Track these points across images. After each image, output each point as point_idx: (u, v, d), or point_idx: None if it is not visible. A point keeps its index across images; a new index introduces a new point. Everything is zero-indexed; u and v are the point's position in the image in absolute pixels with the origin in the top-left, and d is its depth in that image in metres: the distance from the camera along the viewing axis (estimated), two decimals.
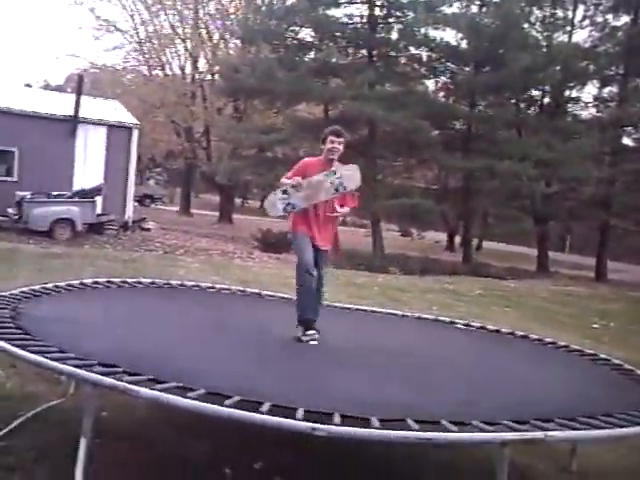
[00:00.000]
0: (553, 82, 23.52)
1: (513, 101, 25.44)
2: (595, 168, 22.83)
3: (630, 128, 24.63)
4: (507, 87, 23.25)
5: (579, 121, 25.33)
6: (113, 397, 3.76)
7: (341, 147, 4.55)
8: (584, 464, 4.01)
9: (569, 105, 25.99)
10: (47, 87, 45.82)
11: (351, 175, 4.53)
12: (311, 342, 4.46)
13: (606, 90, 25.55)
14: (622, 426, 3.05)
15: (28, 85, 40.24)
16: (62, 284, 4.92)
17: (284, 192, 4.47)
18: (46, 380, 4.46)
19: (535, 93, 25.44)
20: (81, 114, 18.86)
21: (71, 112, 18.73)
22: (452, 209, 25.43)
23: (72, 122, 18.72)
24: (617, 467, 4.18)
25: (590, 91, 27.24)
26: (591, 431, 2.97)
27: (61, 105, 19.39)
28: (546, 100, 25.71)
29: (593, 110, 26.49)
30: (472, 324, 5.94)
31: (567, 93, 25.21)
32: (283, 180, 4.59)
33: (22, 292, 4.39)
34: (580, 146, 21.99)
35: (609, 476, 4.03)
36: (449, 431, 2.76)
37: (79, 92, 19.13)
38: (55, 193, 16.71)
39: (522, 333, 5.66)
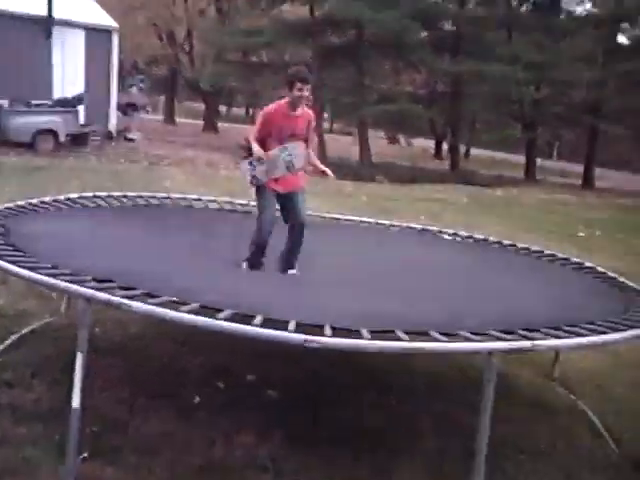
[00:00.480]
0: None
1: None
2: (587, 69, 22.38)
3: (627, 24, 23.88)
4: None
5: (573, 18, 24.59)
6: (106, 313, 3.81)
7: (308, 93, 4.31)
8: (565, 371, 4.16)
9: (564, 1, 25.12)
10: None
11: (300, 153, 4.38)
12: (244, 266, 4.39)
13: None
14: (603, 332, 3.13)
15: None
16: (48, 199, 4.85)
17: (250, 163, 4.38)
18: (38, 297, 4.50)
19: None
20: (56, 14, 17.94)
21: (44, 12, 17.79)
22: (440, 115, 25.12)
23: (46, 22, 17.81)
24: (595, 372, 4.34)
25: None
26: (575, 339, 3.04)
27: (34, 3, 18.38)
28: None
29: (589, 5, 25.68)
30: (459, 233, 5.97)
31: None
32: (253, 145, 4.36)
33: (7, 208, 4.32)
34: (572, 46, 21.47)
35: (588, 381, 4.18)
36: (438, 341, 2.82)
37: None
38: (36, 102, 16.21)
39: (509, 242, 5.71)
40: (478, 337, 2.90)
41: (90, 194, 5.28)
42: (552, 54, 21.02)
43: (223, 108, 42.85)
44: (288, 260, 4.46)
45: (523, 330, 3.04)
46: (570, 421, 3.58)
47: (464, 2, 24.01)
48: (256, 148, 4.31)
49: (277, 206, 4.47)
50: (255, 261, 4.36)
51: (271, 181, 4.38)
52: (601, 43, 22.88)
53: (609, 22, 22.46)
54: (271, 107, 4.45)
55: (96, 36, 18.92)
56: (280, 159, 4.35)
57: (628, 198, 18.78)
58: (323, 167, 4.56)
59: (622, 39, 24.79)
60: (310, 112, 4.53)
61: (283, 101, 4.36)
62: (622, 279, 4.52)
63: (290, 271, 4.43)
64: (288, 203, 4.46)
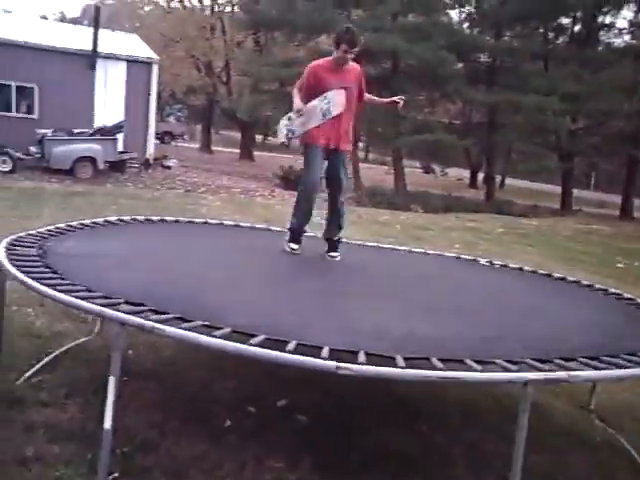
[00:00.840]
0: (585, 7, 22.59)
1: (541, 31, 24.58)
2: (626, 100, 22.15)
3: None
4: (535, 15, 22.46)
5: (612, 50, 24.38)
6: (140, 336, 3.84)
7: (351, 56, 4.33)
8: (602, 402, 4.05)
9: (602, 33, 24.97)
10: (63, 19, 45.19)
11: (339, 101, 4.36)
12: (288, 250, 4.52)
13: None
14: None
15: (44, 17, 39.74)
16: (87, 222, 4.95)
17: (289, 119, 4.41)
18: (73, 318, 4.57)
19: (565, 21, 24.47)
20: (100, 48, 18.60)
21: (89, 46, 18.47)
22: (475, 145, 25.06)
23: (91, 56, 18.49)
24: (634, 404, 4.21)
25: (626, 16, 25.94)
26: (613, 370, 2.96)
27: (79, 39, 19.12)
28: (576, 28, 24.76)
29: (627, 37, 25.45)
30: (494, 262, 5.90)
31: (600, 19, 24.18)
32: (294, 99, 4.41)
33: (48, 230, 4.42)
34: (611, 77, 21.24)
35: (626, 413, 4.06)
36: (473, 370, 2.77)
37: (97, 25, 18.82)
38: (76, 131, 16.68)
39: (545, 272, 5.62)
40: (514, 366, 2.85)
41: (128, 217, 5.37)
42: (590, 85, 20.86)
43: (259, 137, 43.39)
44: (329, 238, 4.51)
45: (560, 359, 2.98)
46: (608, 455, 3.47)
47: (500, 34, 24.06)
48: (297, 100, 4.32)
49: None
50: (297, 230, 4.41)
51: (316, 134, 4.35)
52: None
53: None
54: (316, 62, 4.49)
55: (137, 67, 19.47)
56: (318, 108, 4.31)
57: None
58: (388, 100, 4.69)
59: None
60: (358, 66, 4.52)
61: (328, 58, 4.40)
62: None
63: (332, 254, 4.47)
64: (330, 163, 4.47)
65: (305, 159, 4.47)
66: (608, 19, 24.47)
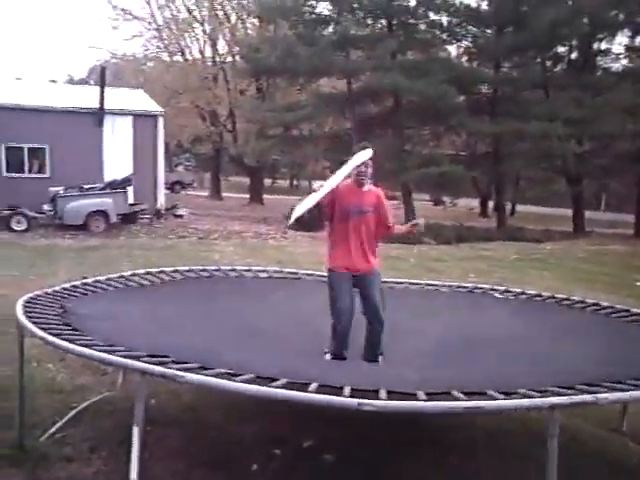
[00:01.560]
0: (580, 35, 22.85)
1: (538, 60, 24.84)
2: (629, 121, 22.21)
3: None
4: (531, 46, 22.69)
5: (610, 74, 24.57)
6: (161, 386, 3.84)
7: (370, 169, 4.27)
8: (635, 424, 3.98)
9: (598, 58, 25.21)
10: (71, 81, 46.26)
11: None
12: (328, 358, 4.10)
13: (638, 39, 24.69)
14: None
15: (53, 81, 40.70)
16: (102, 278, 4.98)
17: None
18: (94, 372, 4.58)
19: (561, 49, 24.73)
20: (107, 105, 19.02)
21: (97, 104, 18.90)
22: (483, 174, 25.11)
23: (98, 114, 18.91)
24: None
25: (621, 41, 26.19)
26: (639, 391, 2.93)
27: (87, 98, 19.58)
28: (573, 55, 25.00)
29: (625, 61, 25.64)
30: (510, 290, 5.85)
31: (596, 46, 24.43)
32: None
33: (64, 289, 4.45)
34: (612, 100, 21.36)
35: None
36: (497, 399, 2.75)
37: (103, 83, 19.26)
38: (87, 186, 16.93)
39: (562, 296, 5.56)
40: (538, 394, 2.82)
41: (142, 271, 5.41)
42: (591, 109, 20.96)
43: (268, 181, 43.76)
44: (367, 355, 4.11)
45: (584, 384, 2.95)
46: None
47: (498, 66, 24.33)
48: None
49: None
50: (338, 351, 4.03)
51: (338, 258, 4.22)
52: None
53: None
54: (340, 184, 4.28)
55: (143, 121, 19.85)
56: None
57: None
58: (408, 226, 4.62)
59: None
60: (378, 190, 4.46)
61: (348, 181, 4.29)
62: None
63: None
64: (361, 290, 4.22)
65: (330, 288, 4.21)
66: (604, 45, 24.73)
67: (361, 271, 4.22)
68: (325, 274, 4.37)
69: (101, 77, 19.73)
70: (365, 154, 4.23)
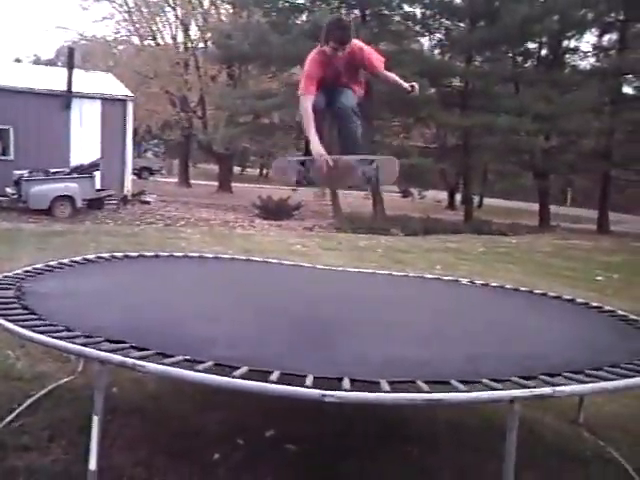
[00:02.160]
0: (550, 33, 23.17)
1: (510, 55, 25.10)
2: (595, 119, 22.62)
3: (631, 76, 24.28)
4: (503, 41, 22.95)
5: (578, 72, 24.98)
6: (123, 372, 3.79)
7: (343, 53, 3.81)
8: (590, 415, 4.06)
9: (567, 56, 25.63)
10: (38, 61, 45.31)
11: (391, 170, 3.81)
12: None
13: (606, 38, 25.17)
14: (628, 376, 3.06)
15: (18, 60, 39.81)
16: (65, 261, 4.91)
17: (302, 164, 3.81)
18: (55, 359, 4.50)
19: (532, 46, 25.05)
20: (74, 88, 18.67)
21: (64, 86, 18.53)
22: (452, 167, 25.32)
23: (66, 97, 18.55)
24: (623, 416, 4.23)
25: (589, 40, 26.69)
26: (598, 383, 2.98)
27: (54, 80, 19.19)
28: (543, 52, 25.35)
29: (592, 59, 26.12)
30: (475, 282, 5.94)
31: (565, 43, 24.83)
32: (312, 140, 3.76)
33: (25, 271, 4.38)
34: (579, 97, 21.73)
35: (615, 426, 4.07)
36: (459, 391, 2.77)
37: (71, 65, 18.92)
38: (53, 170, 16.63)
39: (526, 288, 5.67)
40: (499, 384, 2.85)
41: (107, 254, 5.34)
42: (559, 106, 21.27)
43: (237, 169, 43.51)
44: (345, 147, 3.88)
45: (544, 375, 2.99)
46: (599, 468, 3.47)
47: (470, 59, 24.51)
48: (317, 146, 3.72)
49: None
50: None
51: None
52: (607, 94, 23.17)
53: (613, 74, 22.81)
54: (313, 51, 3.99)
55: (112, 105, 19.57)
56: (358, 171, 3.69)
57: None
58: (407, 85, 4.17)
59: (627, 89, 25.20)
60: (356, 43, 3.92)
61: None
62: None
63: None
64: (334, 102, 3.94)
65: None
66: (572, 43, 25.13)
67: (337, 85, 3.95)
68: None
69: (69, 59, 19.41)
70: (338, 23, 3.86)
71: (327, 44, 3.77)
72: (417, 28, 25.15)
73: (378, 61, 4.03)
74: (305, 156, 3.98)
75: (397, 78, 4.23)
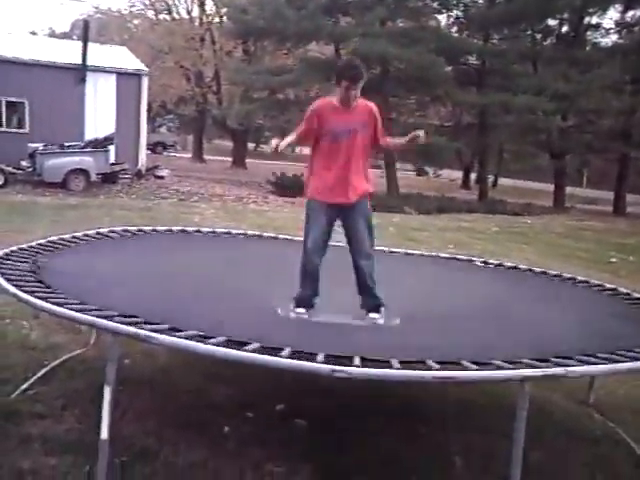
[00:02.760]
0: (572, 8, 22.71)
1: (528, 32, 24.69)
2: (615, 98, 22.25)
3: None
4: (522, 18, 22.52)
5: (599, 49, 24.51)
6: (134, 345, 3.83)
7: (358, 92, 3.77)
8: (601, 397, 4.05)
9: (588, 33, 25.11)
10: (53, 34, 45.14)
11: None
12: (294, 316, 3.77)
13: (629, 14, 24.56)
14: (638, 359, 3.04)
15: (33, 33, 39.72)
16: (79, 234, 4.94)
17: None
18: (68, 330, 4.55)
19: (552, 22, 24.57)
20: (89, 61, 18.63)
21: (79, 60, 18.50)
22: (467, 146, 25.09)
23: (81, 70, 18.52)
24: (633, 398, 4.22)
25: (612, 16, 26.07)
26: (610, 365, 2.97)
27: (69, 53, 19.13)
28: (564, 29, 24.88)
29: (614, 37, 25.55)
30: (489, 262, 5.90)
31: (587, 20, 24.30)
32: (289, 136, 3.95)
33: (40, 244, 4.41)
34: (600, 76, 21.34)
35: (623, 407, 4.07)
36: (469, 370, 2.77)
37: (86, 39, 18.85)
38: (68, 144, 16.67)
39: (540, 269, 5.62)
40: (510, 365, 2.84)
41: (120, 228, 5.36)
42: (579, 84, 20.94)
43: (251, 145, 43.41)
44: (363, 301, 3.81)
45: (556, 357, 2.98)
46: (608, 448, 3.47)
47: (488, 37, 24.16)
48: (288, 139, 3.88)
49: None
50: (304, 296, 3.76)
51: (319, 186, 3.79)
52: (628, 72, 22.75)
53: (636, 52, 22.35)
54: (320, 101, 3.93)
55: (126, 79, 19.49)
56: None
57: None
58: (406, 138, 3.99)
59: None
60: (370, 104, 3.91)
61: (332, 97, 3.86)
62: None
63: (371, 315, 3.78)
64: (346, 222, 3.83)
65: (306, 220, 3.85)
66: (594, 20, 24.60)
67: (341, 203, 3.79)
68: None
69: (84, 32, 19.33)
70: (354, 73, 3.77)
71: (340, 85, 3.75)
72: (435, 5, 24.78)
73: (382, 131, 3.98)
74: None
75: (396, 141, 4.30)
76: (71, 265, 4.05)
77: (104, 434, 2.69)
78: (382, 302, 3.82)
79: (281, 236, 6.47)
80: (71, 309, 2.93)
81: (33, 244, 4.35)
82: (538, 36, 25.00)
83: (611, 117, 23.25)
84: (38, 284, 3.40)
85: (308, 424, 3.42)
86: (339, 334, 3.53)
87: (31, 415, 3.30)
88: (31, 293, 3.14)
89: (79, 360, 4.08)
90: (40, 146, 16.19)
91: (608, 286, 5.02)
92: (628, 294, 4.78)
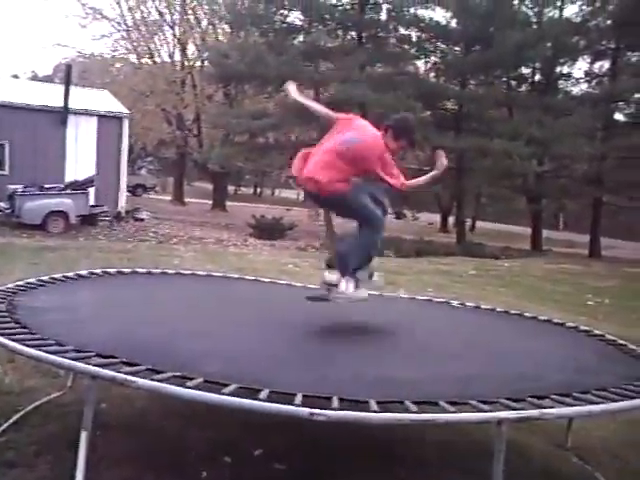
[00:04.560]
0: (544, 59, 23.49)
1: (504, 79, 25.39)
2: (587, 144, 22.86)
3: (622, 103, 24.62)
4: (497, 65, 23.25)
5: (570, 97, 25.30)
6: (112, 388, 3.79)
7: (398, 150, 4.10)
8: (579, 439, 4.07)
9: (560, 82, 25.97)
10: (35, 78, 45.45)
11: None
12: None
13: (597, 65, 25.59)
14: (615, 400, 3.08)
15: (15, 76, 39.93)
16: (58, 276, 4.91)
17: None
18: (44, 374, 4.48)
19: (525, 71, 25.41)
20: (71, 104, 18.74)
21: (61, 103, 18.60)
22: (445, 189, 25.45)
23: (62, 113, 18.61)
24: (610, 440, 4.24)
25: (581, 67, 27.19)
26: (585, 406, 3.00)
27: (50, 96, 19.26)
28: (537, 77, 25.70)
29: (584, 86, 26.51)
30: (467, 304, 5.96)
31: (558, 69, 25.18)
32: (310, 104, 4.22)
33: (18, 286, 4.38)
34: (572, 123, 21.96)
35: (603, 450, 4.08)
36: (447, 412, 2.78)
37: (68, 82, 19.00)
38: (47, 186, 16.62)
39: (517, 311, 5.70)
40: (487, 406, 2.86)
41: (99, 271, 5.34)
42: (552, 130, 21.49)
43: (231, 188, 43.59)
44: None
45: (533, 397, 3.01)
46: None
47: (465, 83, 24.78)
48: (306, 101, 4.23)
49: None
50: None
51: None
52: (599, 120, 23.45)
53: (605, 101, 23.10)
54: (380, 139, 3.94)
55: (108, 122, 19.62)
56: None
57: (635, 266, 18.73)
58: (431, 175, 4.26)
59: (619, 116, 25.53)
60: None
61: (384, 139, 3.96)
62: (633, 346, 4.47)
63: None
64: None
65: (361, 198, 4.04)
66: (565, 69, 25.49)
67: (309, 187, 4.00)
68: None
69: (67, 75, 19.49)
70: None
71: (396, 141, 3.95)
72: (413, 51, 25.44)
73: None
74: None
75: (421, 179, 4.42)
76: (48, 305, 4.02)
77: None
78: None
79: (262, 278, 6.48)
80: (48, 351, 2.91)
81: (10, 285, 4.31)
82: (513, 83, 25.73)
83: (584, 162, 23.83)
84: (14, 325, 3.37)
85: (286, 468, 3.39)
86: (318, 369, 3.53)
87: (1, 463, 3.21)
88: (6, 335, 3.11)
89: (55, 404, 4.01)
90: (19, 187, 16.13)
91: (583, 328, 5.09)
92: (602, 335, 4.85)
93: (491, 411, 2.81)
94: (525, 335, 4.89)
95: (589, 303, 10.56)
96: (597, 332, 4.94)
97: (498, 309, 5.81)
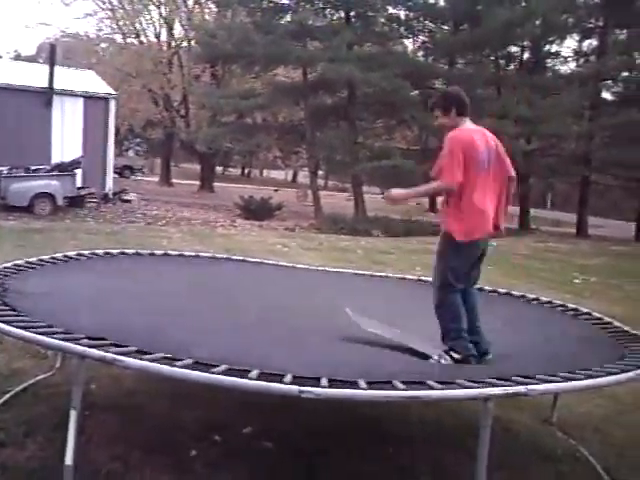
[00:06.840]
0: (532, 37, 23.40)
1: (492, 58, 25.31)
2: (575, 123, 22.90)
3: (610, 82, 24.61)
4: (486, 44, 23.14)
5: (559, 76, 25.26)
6: (101, 369, 3.80)
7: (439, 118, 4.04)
8: (564, 415, 4.13)
9: (548, 60, 25.89)
10: (18, 57, 44.74)
11: None
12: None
13: (586, 43, 25.49)
14: (599, 376, 3.13)
15: None
16: (46, 258, 4.89)
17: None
18: (32, 356, 4.48)
19: (514, 49, 25.29)
20: (56, 85, 18.52)
21: (46, 83, 18.38)
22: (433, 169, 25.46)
23: (47, 93, 18.40)
24: (594, 416, 4.29)
25: (570, 45, 27.10)
26: (570, 382, 3.05)
27: (35, 76, 19.01)
28: (525, 56, 25.60)
29: (573, 64, 26.43)
30: None
31: (546, 48, 25.07)
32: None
33: (5, 268, 4.36)
34: (560, 102, 21.95)
35: (587, 425, 4.14)
36: (433, 389, 2.82)
37: (52, 62, 18.77)
38: (34, 167, 16.48)
39: (505, 290, 5.74)
40: (474, 384, 2.90)
41: (87, 252, 5.32)
42: (540, 109, 21.49)
43: (219, 168, 43.38)
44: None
45: (519, 376, 3.05)
46: (570, 466, 3.53)
47: (453, 62, 24.68)
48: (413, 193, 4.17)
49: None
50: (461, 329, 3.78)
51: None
52: (586, 99, 23.45)
53: (593, 80, 23.08)
54: (464, 132, 3.88)
55: (94, 103, 19.42)
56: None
57: (622, 245, 18.88)
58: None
59: (606, 95, 25.55)
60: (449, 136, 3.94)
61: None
62: (618, 324, 4.53)
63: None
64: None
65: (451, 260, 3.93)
66: (554, 48, 25.40)
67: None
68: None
69: (51, 55, 19.25)
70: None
71: (449, 112, 3.97)
72: (401, 30, 25.28)
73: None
74: None
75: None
76: (37, 287, 4.01)
77: (68, 460, 2.66)
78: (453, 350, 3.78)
79: (249, 259, 6.49)
80: (37, 332, 2.91)
81: None
82: (501, 62, 25.64)
83: (572, 141, 23.87)
84: (2, 307, 3.36)
85: (275, 446, 3.42)
86: (307, 353, 3.56)
87: None
88: None
89: (44, 385, 4.02)
90: (5, 169, 15.98)
91: (570, 306, 5.14)
92: (589, 313, 4.90)
93: (478, 388, 2.85)
94: (512, 316, 4.93)
95: (576, 281, 10.64)
96: (583, 310, 5.00)
97: (486, 288, 5.83)
